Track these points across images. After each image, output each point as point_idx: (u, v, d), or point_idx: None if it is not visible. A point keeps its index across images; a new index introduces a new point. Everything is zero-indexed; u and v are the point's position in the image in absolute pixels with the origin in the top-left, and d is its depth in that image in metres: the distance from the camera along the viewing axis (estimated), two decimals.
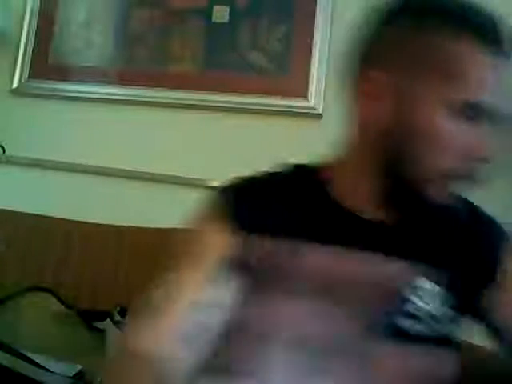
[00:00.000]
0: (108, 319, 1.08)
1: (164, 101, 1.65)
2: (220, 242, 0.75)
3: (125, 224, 1.45)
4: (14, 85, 1.74)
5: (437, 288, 0.74)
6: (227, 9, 1.63)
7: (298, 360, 0.70)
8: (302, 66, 1.57)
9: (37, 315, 1.19)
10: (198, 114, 1.65)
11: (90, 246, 1.37)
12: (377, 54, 0.75)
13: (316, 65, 1.56)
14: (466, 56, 0.69)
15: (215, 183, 1.60)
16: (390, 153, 0.73)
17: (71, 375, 0.93)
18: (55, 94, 1.72)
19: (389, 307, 0.72)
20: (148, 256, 1.35)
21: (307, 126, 1.58)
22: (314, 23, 1.57)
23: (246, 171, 1.58)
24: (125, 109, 1.69)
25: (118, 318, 1.10)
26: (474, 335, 0.85)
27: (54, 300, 1.21)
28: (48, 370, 0.90)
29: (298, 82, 1.57)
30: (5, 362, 0.88)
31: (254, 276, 0.74)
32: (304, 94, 1.56)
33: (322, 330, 0.71)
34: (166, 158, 1.64)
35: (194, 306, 0.71)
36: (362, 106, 0.76)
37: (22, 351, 0.96)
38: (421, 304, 0.73)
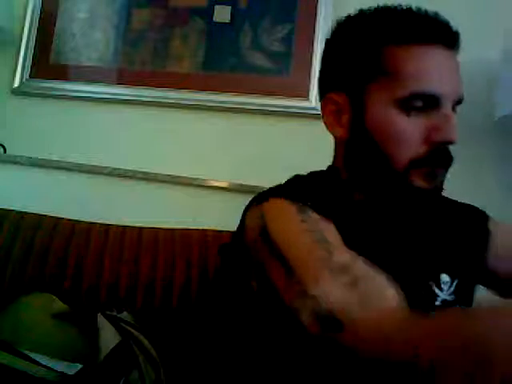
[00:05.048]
0: (99, 314, 1.08)
1: (164, 101, 1.65)
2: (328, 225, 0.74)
3: (125, 224, 1.45)
4: (15, 84, 1.74)
5: (451, 280, 0.83)
6: (228, 8, 1.63)
7: None
8: (303, 67, 1.57)
9: (37, 315, 1.18)
10: (198, 113, 1.65)
11: (90, 245, 1.37)
12: (331, 77, 0.88)
13: (317, 65, 1.56)
14: (399, 53, 0.77)
15: (215, 183, 1.60)
16: (359, 162, 0.83)
17: (71, 374, 0.93)
18: (56, 93, 1.72)
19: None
20: (149, 256, 1.35)
21: (308, 127, 1.58)
22: (315, 23, 1.57)
23: (246, 171, 1.59)
24: (125, 109, 1.69)
25: (111, 312, 1.10)
26: None
27: (54, 300, 1.21)
28: (47, 367, 0.90)
29: (299, 82, 1.57)
30: (5, 361, 0.88)
31: None
32: (305, 95, 1.56)
33: None
34: (165, 157, 1.64)
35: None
36: (329, 125, 0.87)
37: (21, 350, 0.96)
38: (443, 297, 0.81)
